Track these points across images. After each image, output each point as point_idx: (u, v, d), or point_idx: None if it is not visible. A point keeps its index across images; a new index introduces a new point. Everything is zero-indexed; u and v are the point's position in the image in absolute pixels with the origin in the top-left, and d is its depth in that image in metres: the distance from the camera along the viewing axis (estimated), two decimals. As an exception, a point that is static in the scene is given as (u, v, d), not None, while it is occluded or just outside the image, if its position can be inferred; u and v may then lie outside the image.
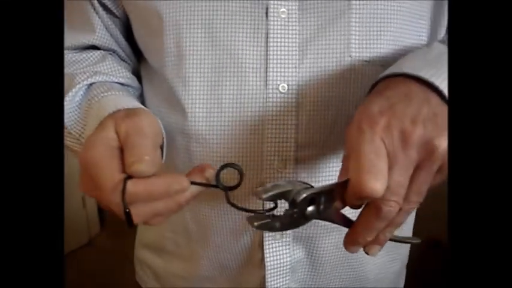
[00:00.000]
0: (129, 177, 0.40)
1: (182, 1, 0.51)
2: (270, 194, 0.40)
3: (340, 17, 0.50)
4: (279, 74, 0.51)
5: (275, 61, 0.51)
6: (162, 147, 0.49)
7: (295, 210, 0.40)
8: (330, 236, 0.58)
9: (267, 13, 0.51)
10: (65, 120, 0.53)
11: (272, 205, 0.43)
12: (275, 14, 0.51)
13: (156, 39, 0.54)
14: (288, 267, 0.59)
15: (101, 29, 0.60)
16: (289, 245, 0.58)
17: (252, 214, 0.42)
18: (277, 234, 0.57)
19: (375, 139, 0.38)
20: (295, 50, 0.51)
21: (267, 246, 0.57)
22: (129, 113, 0.46)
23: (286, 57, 0.51)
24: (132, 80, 0.61)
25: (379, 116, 0.39)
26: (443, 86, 0.39)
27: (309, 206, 0.40)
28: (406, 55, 0.47)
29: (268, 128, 0.52)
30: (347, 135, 0.40)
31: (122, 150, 0.42)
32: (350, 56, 0.50)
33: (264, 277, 0.59)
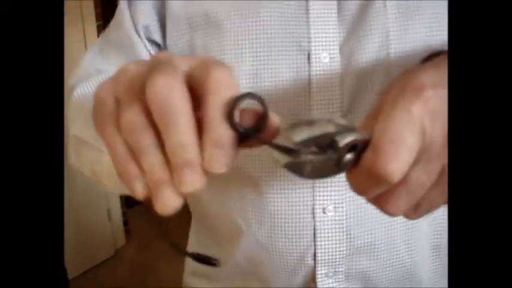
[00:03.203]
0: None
1: (230, 46, 0.52)
2: (306, 136, 0.30)
3: (378, 62, 0.50)
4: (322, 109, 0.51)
5: (318, 108, 0.51)
6: None
7: (333, 155, 0.31)
8: (387, 270, 0.57)
9: (308, 58, 0.51)
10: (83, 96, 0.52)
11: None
12: (317, 59, 0.51)
13: None
14: None
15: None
16: (342, 281, 0.57)
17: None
18: (330, 272, 0.56)
19: (413, 111, 0.30)
20: (338, 96, 0.51)
21: (320, 283, 0.56)
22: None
23: (330, 103, 0.51)
24: None
25: (430, 89, 0.31)
26: None
27: (348, 153, 0.31)
28: None
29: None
30: (384, 91, 0.35)
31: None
32: None
33: None
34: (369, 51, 0.51)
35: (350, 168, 0.32)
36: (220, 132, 0.28)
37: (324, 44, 0.51)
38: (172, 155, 0.28)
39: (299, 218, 0.54)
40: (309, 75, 0.51)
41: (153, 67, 0.29)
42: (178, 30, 0.55)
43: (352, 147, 0.31)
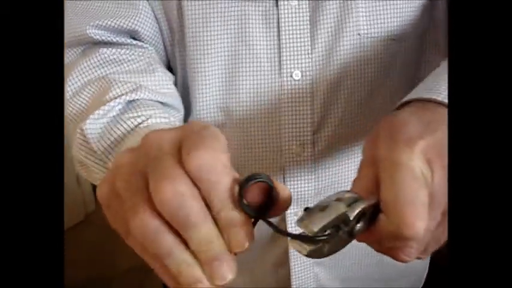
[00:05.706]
0: None
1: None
2: (322, 224, 0.31)
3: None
4: (292, 61, 0.53)
5: (288, 49, 0.52)
6: None
7: (346, 229, 0.32)
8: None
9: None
10: (90, 134, 0.46)
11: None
12: (285, 2, 0.51)
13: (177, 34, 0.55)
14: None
15: (146, 10, 0.53)
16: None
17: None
18: (299, 211, 0.58)
19: (414, 167, 0.31)
20: (307, 36, 0.52)
21: (290, 222, 0.59)
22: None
23: (299, 44, 0.52)
24: (175, 99, 0.54)
25: (419, 140, 0.32)
26: None
27: (358, 222, 0.32)
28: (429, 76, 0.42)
29: (284, 114, 0.54)
30: (369, 140, 0.35)
31: None
32: (359, 34, 0.52)
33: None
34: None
35: (362, 234, 0.33)
36: (232, 216, 0.28)
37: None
38: (200, 253, 0.28)
39: (265, 158, 0.56)
40: (278, 17, 0.52)
41: (151, 164, 0.28)
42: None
43: (361, 215, 0.32)
